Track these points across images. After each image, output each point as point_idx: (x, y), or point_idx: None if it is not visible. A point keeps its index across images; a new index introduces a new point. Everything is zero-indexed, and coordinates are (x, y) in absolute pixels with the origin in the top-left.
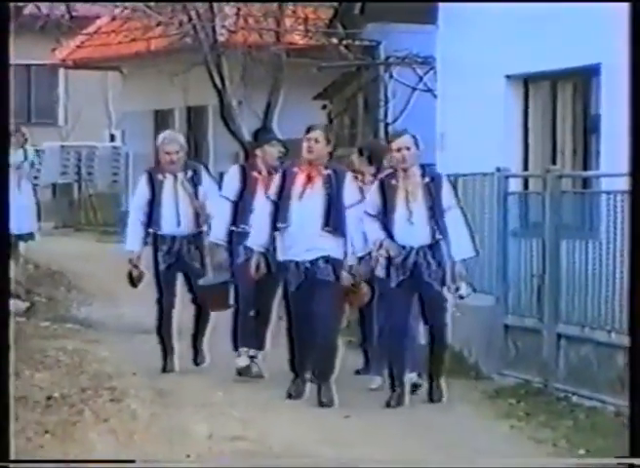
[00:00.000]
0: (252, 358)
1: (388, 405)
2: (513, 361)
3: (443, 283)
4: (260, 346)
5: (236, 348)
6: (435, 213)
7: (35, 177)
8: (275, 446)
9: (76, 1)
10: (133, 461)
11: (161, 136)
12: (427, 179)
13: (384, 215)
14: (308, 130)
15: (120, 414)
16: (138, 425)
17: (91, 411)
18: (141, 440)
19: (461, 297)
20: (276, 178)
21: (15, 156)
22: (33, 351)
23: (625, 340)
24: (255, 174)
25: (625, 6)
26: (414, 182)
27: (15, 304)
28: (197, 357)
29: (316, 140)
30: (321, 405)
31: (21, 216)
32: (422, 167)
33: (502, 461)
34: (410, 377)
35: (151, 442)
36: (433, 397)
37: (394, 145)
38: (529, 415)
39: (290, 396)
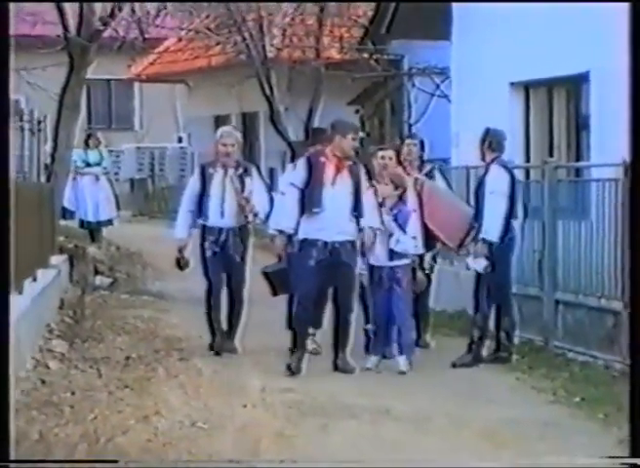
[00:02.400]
0: (310, 335)
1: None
2: (518, 323)
3: None
4: (317, 325)
5: (291, 328)
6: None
7: (115, 174)
8: (319, 396)
9: (111, 1)
10: (116, 461)
11: (220, 130)
12: (483, 170)
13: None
14: (356, 131)
15: (188, 371)
16: (202, 380)
17: (163, 369)
18: (205, 393)
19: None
20: (300, 168)
21: (91, 156)
22: (115, 319)
23: (613, 304)
24: (322, 159)
25: (612, 18)
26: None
27: (100, 280)
28: (228, 345)
29: (360, 140)
30: (338, 370)
31: (101, 207)
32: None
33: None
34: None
35: (213, 394)
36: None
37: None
38: (531, 369)
39: (290, 369)
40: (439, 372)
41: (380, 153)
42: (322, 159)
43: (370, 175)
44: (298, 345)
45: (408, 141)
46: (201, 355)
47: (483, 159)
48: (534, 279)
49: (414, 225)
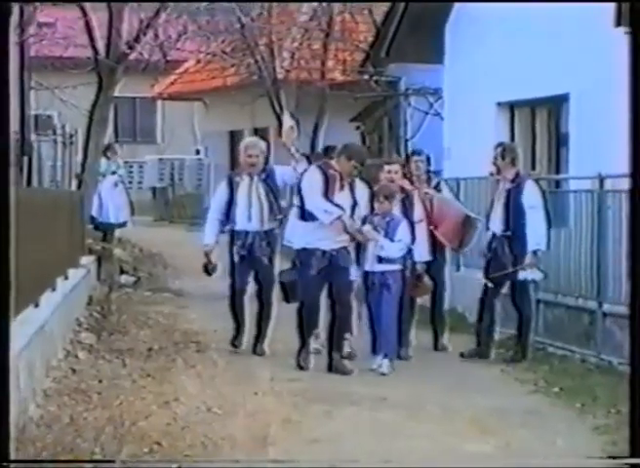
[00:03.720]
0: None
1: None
2: (503, 320)
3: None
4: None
5: (300, 331)
6: (509, 210)
7: (139, 182)
8: (323, 385)
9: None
10: (113, 461)
11: (245, 141)
12: (514, 184)
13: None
14: (364, 160)
15: (204, 362)
16: (217, 370)
17: (182, 360)
18: (220, 381)
19: (533, 281)
20: (317, 174)
21: (108, 166)
22: (138, 314)
23: (589, 304)
24: (331, 171)
25: (591, 44)
26: (502, 187)
27: (125, 278)
28: (256, 348)
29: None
30: (332, 371)
31: (118, 211)
32: (516, 174)
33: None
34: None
35: (227, 383)
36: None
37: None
38: (515, 361)
39: (301, 367)
40: (431, 365)
41: (387, 167)
42: (331, 171)
43: (373, 195)
44: (304, 345)
45: (415, 158)
46: (216, 347)
47: (498, 173)
48: None
49: (403, 232)
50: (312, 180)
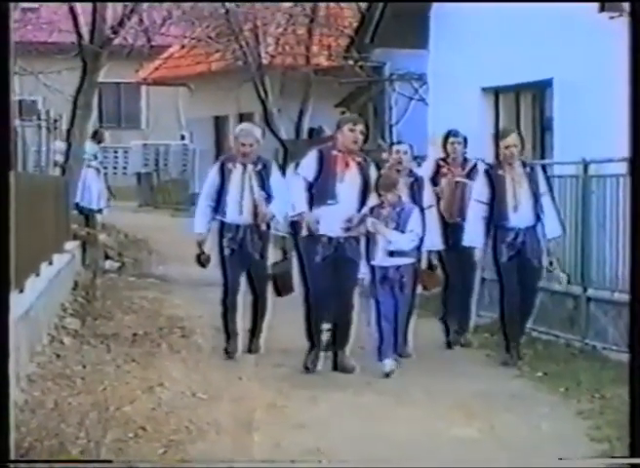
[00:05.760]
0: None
1: None
2: (488, 305)
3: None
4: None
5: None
6: (537, 197)
7: (124, 168)
8: (309, 373)
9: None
10: (111, 461)
11: (238, 128)
12: (528, 169)
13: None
14: (354, 121)
15: (189, 347)
16: (202, 355)
17: (166, 345)
18: (205, 366)
19: (549, 271)
20: (312, 160)
21: (90, 149)
22: (123, 299)
23: (573, 289)
24: (334, 153)
25: (574, 29)
26: (519, 172)
27: (110, 264)
28: (251, 345)
29: (362, 132)
30: (339, 370)
31: (96, 197)
32: (523, 161)
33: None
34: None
35: (212, 368)
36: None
37: (504, 143)
38: (499, 346)
39: (307, 369)
40: (416, 350)
41: (396, 147)
42: (333, 152)
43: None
44: (313, 342)
45: (452, 139)
46: (201, 333)
47: (497, 158)
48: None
49: (415, 222)
50: (302, 167)
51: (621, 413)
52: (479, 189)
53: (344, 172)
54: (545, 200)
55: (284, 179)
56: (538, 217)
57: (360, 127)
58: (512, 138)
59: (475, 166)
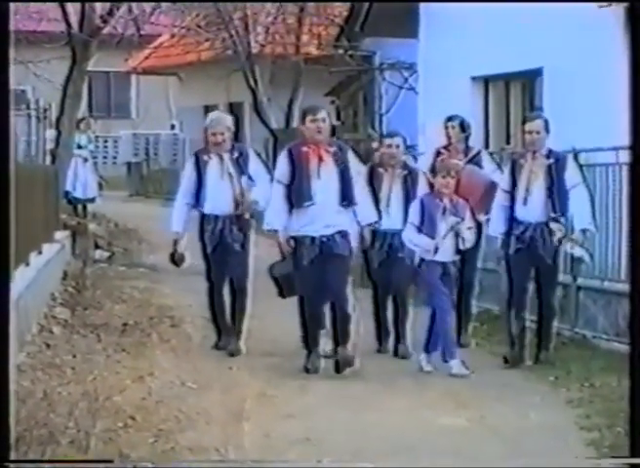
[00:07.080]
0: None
1: None
2: (478, 294)
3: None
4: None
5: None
6: (553, 192)
7: (114, 157)
8: (297, 360)
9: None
10: (111, 461)
11: (209, 118)
12: (552, 160)
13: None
14: (314, 111)
15: (179, 337)
16: (192, 345)
17: (156, 334)
18: (195, 356)
19: (578, 258)
20: (282, 162)
21: (79, 139)
22: (113, 289)
23: (563, 278)
24: (304, 149)
25: (564, 19)
26: (539, 163)
27: (100, 253)
28: (231, 345)
29: (323, 120)
30: (339, 365)
31: (87, 186)
32: (549, 150)
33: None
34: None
35: (202, 358)
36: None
37: (527, 128)
38: (489, 335)
39: (307, 370)
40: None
41: (388, 141)
42: (303, 149)
43: (360, 158)
44: (310, 346)
45: (447, 124)
46: (191, 322)
47: (523, 145)
48: (492, 255)
49: (469, 214)
50: (277, 170)
51: (611, 402)
52: (505, 177)
53: (319, 167)
54: (576, 191)
55: (263, 164)
56: (554, 213)
57: (321, 115)
58: (534, 124)
59: (478, 153)
